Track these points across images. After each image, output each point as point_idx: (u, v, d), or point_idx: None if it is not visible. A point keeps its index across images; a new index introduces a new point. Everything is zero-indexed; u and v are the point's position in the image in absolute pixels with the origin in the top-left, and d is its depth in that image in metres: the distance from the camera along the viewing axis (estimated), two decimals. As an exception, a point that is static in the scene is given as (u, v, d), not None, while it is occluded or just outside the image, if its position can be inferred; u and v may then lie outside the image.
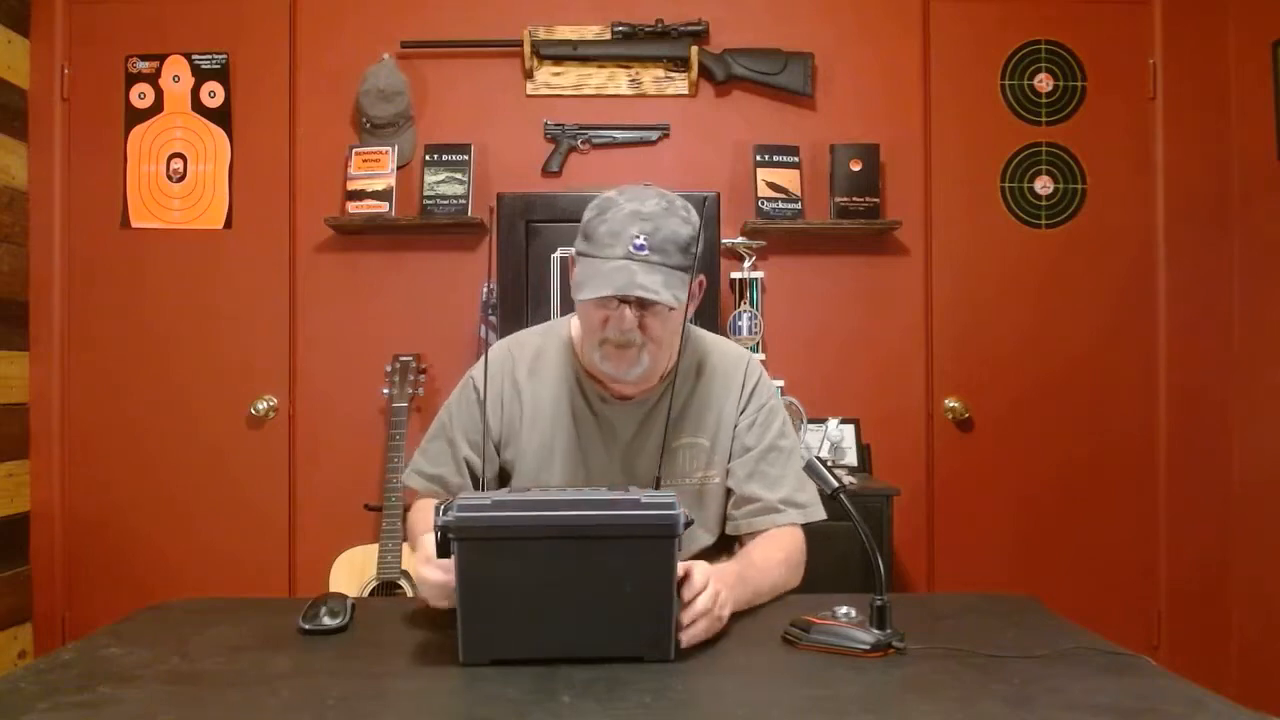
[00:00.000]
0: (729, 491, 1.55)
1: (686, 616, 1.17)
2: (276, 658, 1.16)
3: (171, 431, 2.96)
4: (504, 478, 1.58)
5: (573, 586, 1.11)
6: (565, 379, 1.55)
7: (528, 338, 1.62)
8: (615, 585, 1.10)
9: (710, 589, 1.20)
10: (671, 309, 1.39)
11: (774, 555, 1.47)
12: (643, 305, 1.39)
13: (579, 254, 1.43)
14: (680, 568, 1.17)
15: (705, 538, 1.55)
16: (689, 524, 1.12)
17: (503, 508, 1.11)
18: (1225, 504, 2.96)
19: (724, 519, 1.57)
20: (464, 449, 1.55)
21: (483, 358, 1.55)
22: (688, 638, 1.17)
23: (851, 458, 2.87)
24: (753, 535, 1.53)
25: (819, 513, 1.54)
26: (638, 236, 1.36)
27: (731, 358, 1.59)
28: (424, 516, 1.48)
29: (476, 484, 1.53)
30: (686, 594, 1.18)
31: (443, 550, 1.11)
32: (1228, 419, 2.96)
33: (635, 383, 1.49)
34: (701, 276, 1.50)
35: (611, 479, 1.52)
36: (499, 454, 1.56)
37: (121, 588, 2.87)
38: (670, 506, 1.10)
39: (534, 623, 1.11)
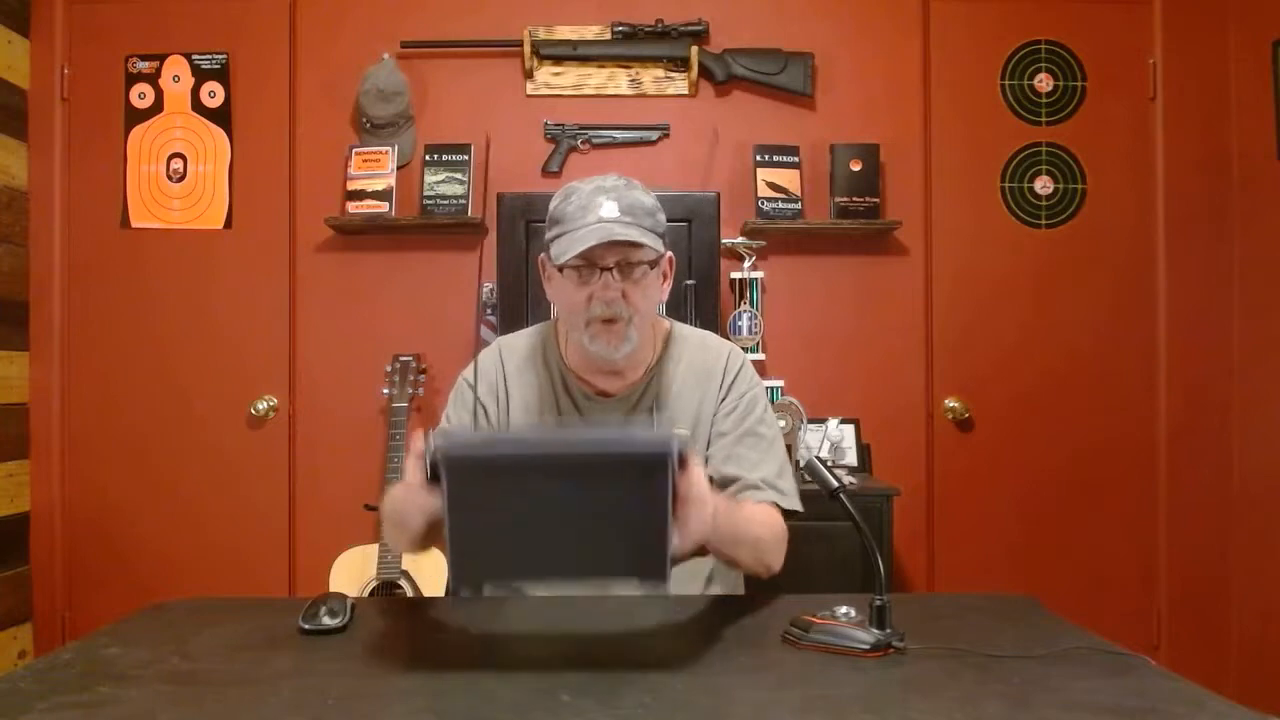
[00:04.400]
0: (709, 480, 1.54)
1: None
2: (276, 658, 1.16)
3: (171, 431, 2.96)
4: None
5: (565, 514, 1.07)
6: (552, 378, 1.57)
7: (516, 339, 1.64)
8: (608, 512, 1.06)
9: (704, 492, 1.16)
10: (651, 266, 1.43)
11: (759, 516, 1.45)
12: (623, 274, 1.42)
13: (552, 239, 1.46)
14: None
15: None
16: (683, 454, 1.09)
17: (492, 437, 1.09)
18: (1225, 504, 2.95)
19: None
20: None
21: (474, 361, 1.60)
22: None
23: (851, 458, 2.87)
24: None
25: (797, 503, 1.52)
26: (606, 202, 1.41)
27: (713, 349, 1.59)
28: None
29: None
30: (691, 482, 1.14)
31: (432, 477, 1.09)
32: (1228, 419, 2.96)
33: (624, 363, 1.50)
34: (670, 254, 1.53)
35: None
36: None
37: (121, 588, 2.86)
38: (666, 435, 1.07)
39: (525, 549, 1.08)
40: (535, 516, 1.07)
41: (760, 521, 1.44)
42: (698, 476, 1.14)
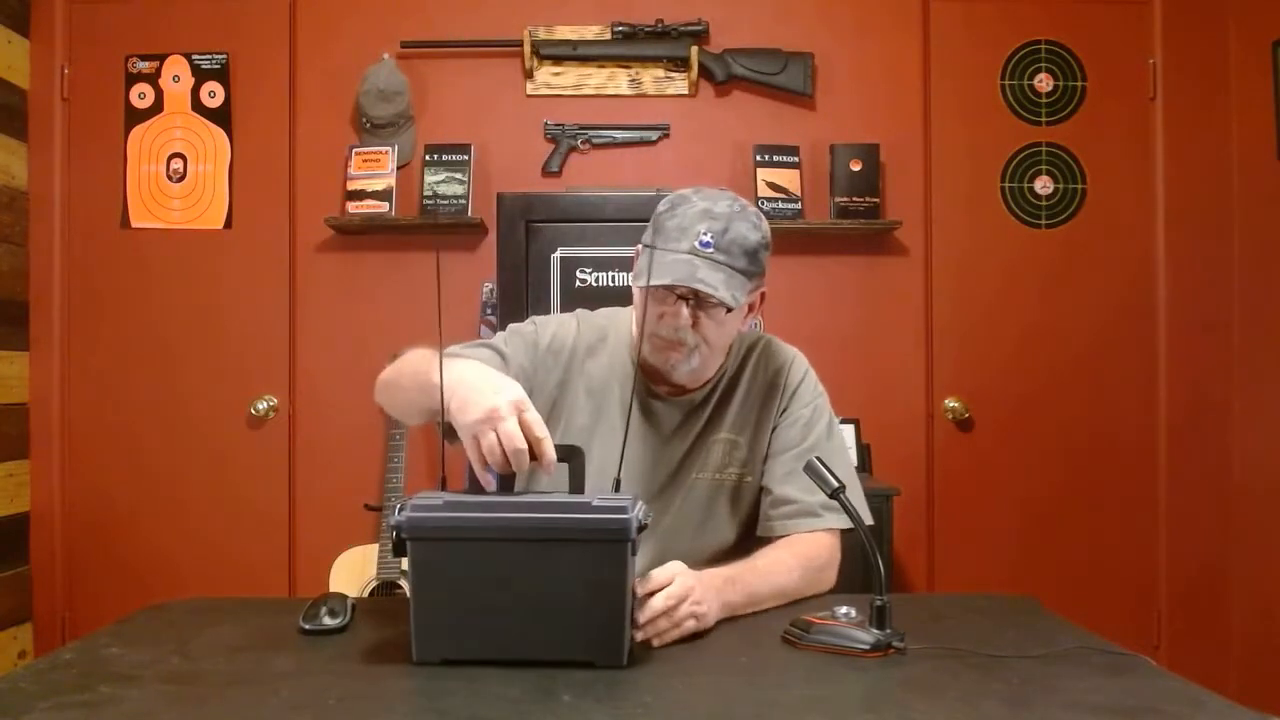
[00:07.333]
0: (764, 490, 1.51)
1: (642, 615, 1.15)
2: (276, 658, 1.16)
3: (171, 431, 2.96)
4: None
5: (525, 589, 1.09)
6: (618, 366, 1.54)
7: (596, 318, 1.61)
8: (567, 589, 1.09)
9: (674, 588, 1.18)
10: (728, 309, 1.39)
11: (784, 560, 1.42)
12: (699, 305, 1.39)
13: (645, 246, 1.44)
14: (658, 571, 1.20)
15: (728, 533, 1.52)
16: (643, 528, 1.10)
17: (455, 508, 1.11)
18: (1225, 504, 2.95)
19: (755, 519, 1.53)
20: (513, 369, 1.47)
21: (549, 315, 1.60)
22: (642, 635, 1.15)
23: (851, 458, 2.86)
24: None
25: (864, 516, 1.43)
26: (705, 234, 1.37)
27: (777, 356, 1.57)
28: (423, 355, 1.36)
29: None
30: (646, 588, 1.17)
31: (398, 550, 1.11)
32: (1228, 419, 2.96)
33: (680, 379, 1.48)
34: (764, 288, 1.48)
35: (645, 471, 1.50)
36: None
37: (121, 588, 2.86)
38: (623, 511, 1.08)
39: (487, 624, 1.10)
40: (496, 589, 1.10)
41: (787, 568, 1.41)
42: (678, 579, 1.19)
